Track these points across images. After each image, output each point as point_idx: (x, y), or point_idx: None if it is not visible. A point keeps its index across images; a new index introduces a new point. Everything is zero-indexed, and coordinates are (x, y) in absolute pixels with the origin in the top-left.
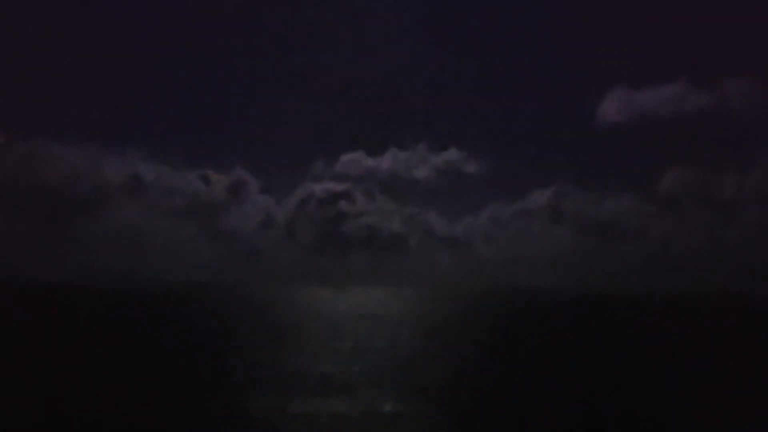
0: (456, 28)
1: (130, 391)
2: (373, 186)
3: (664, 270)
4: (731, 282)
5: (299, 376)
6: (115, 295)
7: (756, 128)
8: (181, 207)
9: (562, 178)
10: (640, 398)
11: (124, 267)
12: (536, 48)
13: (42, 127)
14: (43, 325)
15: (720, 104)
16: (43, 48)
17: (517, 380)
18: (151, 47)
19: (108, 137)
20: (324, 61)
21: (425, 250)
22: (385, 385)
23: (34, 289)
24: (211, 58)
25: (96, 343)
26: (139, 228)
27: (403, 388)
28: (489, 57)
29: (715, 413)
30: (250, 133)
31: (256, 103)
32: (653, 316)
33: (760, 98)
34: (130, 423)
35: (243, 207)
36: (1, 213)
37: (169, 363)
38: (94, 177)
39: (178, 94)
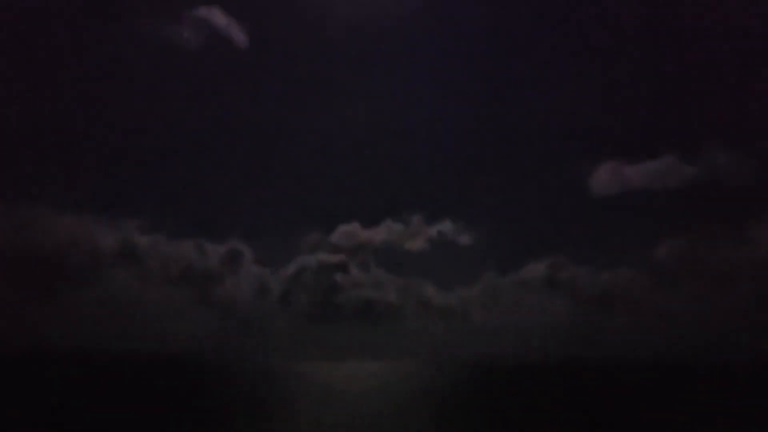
0: (450, 101)
1: None
2: (368, 257)
3: (660, 340)
4: (727, 350)
5: None
6: (108, 365)
7: (744, 200)
8: (175, 276)
9: (557, 250)
10: None
11: (117, 337)
12: (529, 121)
13: (36, 195)
14: (33, 395)
15: (708, 177)
16: (38, 114)
17: None
18: (149, 116)
19: (103, 205)
20: (320, 134)
21: (421, 321)
22: None
23: (25, 359)
24: (208, 129)
25: (88, 414)
26: (132, 297)
27: None
28: (483, 129)
29: None
30: (245, 203)
31: (252, 173)
32: (650, 386)
33: (747, 171)
34: None
35: (238, 277)
36: None
37: None
38: (89, 245)
39: (174, 163)
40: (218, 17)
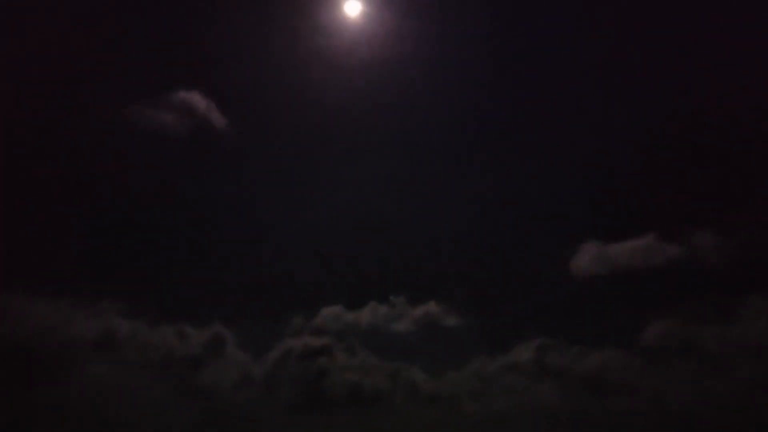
0: (433, 182)
1: None
2: (354, 340)
3: (654, 424)
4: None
5: None
6: None
7: (729, 280)
8: (155, 363)
9: (544, 332)
10: None
11: (94, 427)
12: (509, 200)
13: (7, 280)
14: None
15: (690, 255)
16: (9, 197)
17: None
18: (128, 197)
19: (80, 290)
20: (302, 216)
21: (410, 408)
22: None
23: None
24: (187, 213)
25: None
26: (110, 386)
27: None
28: (463, 211)
29: None
30: (227, 286)
31: (233, 255)
32: None
33: (728, 250)
34: None
35: (220, 364)
36: None
37: None
38: (65, 333)
39: (153, 246)
40: (198, 101)
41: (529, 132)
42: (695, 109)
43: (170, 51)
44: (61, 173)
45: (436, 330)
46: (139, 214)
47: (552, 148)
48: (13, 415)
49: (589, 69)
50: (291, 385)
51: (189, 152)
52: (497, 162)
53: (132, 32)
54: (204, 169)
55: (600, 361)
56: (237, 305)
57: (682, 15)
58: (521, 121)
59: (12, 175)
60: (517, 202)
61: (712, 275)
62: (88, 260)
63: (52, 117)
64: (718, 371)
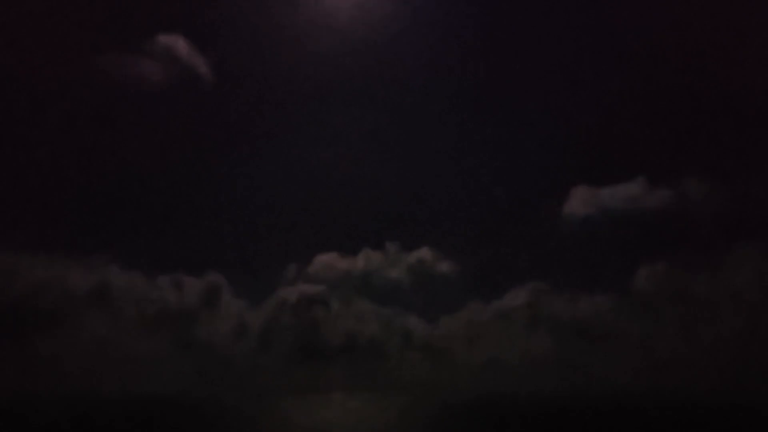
0: (423, 129)
1: None
2: (348, 288)
3: (644, 369)
4: (710, 380)
5: None
6: (85, 410)
7: (719, 226)
8: (152, 316)
9: (536, 277)
10: None
11: (92, 380)
12: (500, 145)
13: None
14: None
15: (681, 202)
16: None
17: None
18: (118, 148)
19: (75, 242)
20: (294, 162)
21: (404, 355)
22: None
23: None
24: (180, 160)
25: None
26: (107, 339)
27: None
28: (456, 157)
29: None
30: (222, 235)
31: (226, 204)
32: (635, 415)
33: (719, 197)
34: None
35: (216, 314)
36: None
37: None
38: (60, 287)
39: (145, 198)
40: (181, 47)
41: (520, 79)
42: (688, 55)
43: None
44: (48, 129)
45: (430, 276)
46: (129, 167)
47: (543, 94)
48: (12, 368)
49: (581, 19)
50: (287, 334)
51: (176, 100)
52: (489, 110)
53: None
54: (191, 119)
55: (591, 306)
56: (232, 254)
57: None
58: (512, 69)
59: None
60: (509, 148)
61: (702, 222)
62: (80, 214)
63: (35, 71)
64: (707, 317)
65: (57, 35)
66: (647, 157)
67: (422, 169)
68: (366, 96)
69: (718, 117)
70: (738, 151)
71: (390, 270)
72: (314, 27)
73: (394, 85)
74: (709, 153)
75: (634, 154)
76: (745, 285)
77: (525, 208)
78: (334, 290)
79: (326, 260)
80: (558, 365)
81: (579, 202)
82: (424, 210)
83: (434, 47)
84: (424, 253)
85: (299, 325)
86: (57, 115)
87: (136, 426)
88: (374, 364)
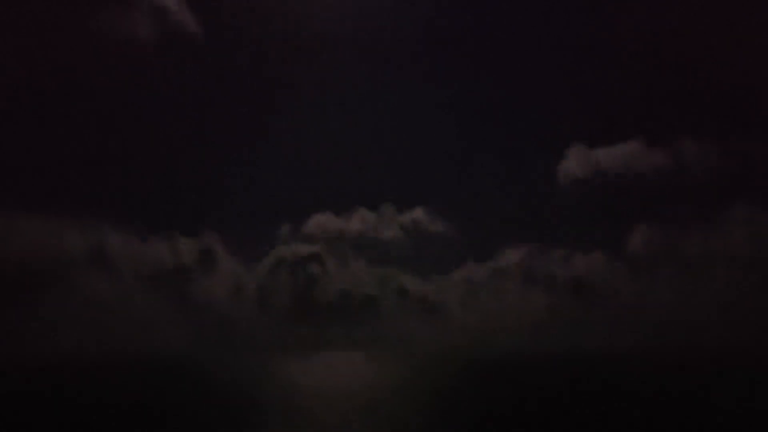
0: (418, 87)
1: None
2: (344, 248)
3: (637, 326)
4: (703, 336)
5: None
6: (82, 370)
7: (713, 186)
8: (148, 275)
9: (531, 237)
10: None
11: (89, 341)
12: (495, 106)
13: None
14: (6, 407)
15: (676, 162)
16: None
17: None
18: (114, 109)
19: (70, 204)
20: (289, 122)
21: (399, 314)
22: None
23: None
24: (174, 122)
25: (61, 421)
26: (103, 299)
27: None
28: (452, 115)
29: None
30: (216, 195)
31: (221, 164)
32: (630, 374)
33: (714, 158)
34: None
35: (212, 273)
36: None
37: None
38: (55, 248)
39: (138, 158)
40: (172, 5)
41: (517, 39)
42: (685, 17)
43: None
44: (41, 91)
45: (424, 236)
46: (122, 127)
47: (539, 51)
48: (10, 329)
49: None
50: (283, 294)
51: (169, 60)
52: (485, 70)
53: None
54: (188, 78)
55: (585, 265)
56: (226, 215)
57: None
58: (510, 28)
59: None
60: (505, 109)
61: (697, 182)
62: (73, 175)
63: (28, 32)
64: (699, 276)
65: None
66: (644, 118)
67: (417, 129)
68: (360, 56)
69: (714, 78)
70: (733, 111)
71: (385, 230)
72: None
73: (389, 46)
74: (705, 113)
75: (631, 114)
76: (737, 243)
77: (520, 168)
78: (329, 250)
79: (321, 220)
80: (552, 323)
81: (575, 162)
82: (419, 170)
83: (430, 5)
84: (419, 213)
85: (295, 285)
86: (51, 76)
87: (134, 385)
88: (369, 322)
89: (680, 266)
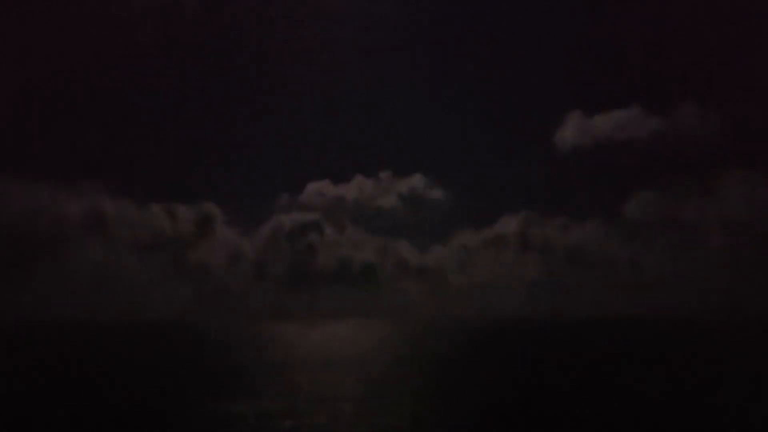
0: (417, 56)
1: None
2: (342, 216)
3: (633, 293)
4: (698, 302)
5: (270, 414)
6: (78, 336)
7: (710, 152)
8: (146, 243)
9: (528, 205)
10: (617, 421)
11: (86, 307)
12: (493, 73)
13: None
14: (3, 372)
15: (674, 129)
16: None
17: (493, 410)
18: (111, 75)
19: (65, 171)
20: (286, 90)
21: (397, 281)
22: (362, 423)
23: None
24: (172, 88)
25: (59, 387)
26: (101, 266)
27: (379, 423)
28: (449, 83)
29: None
30: (214, 163)
31: (219, 133)
32: (625, 339)
33: (711, 124)
34: None
35: (210, 241)
36: None
37: (137, 406)
38: (52, 214)
39: (137, 124)
40: None
41: (513, 3)
42: None
43: None
44: (38, 55)
45: (422, 204)
46: (121, 94)
47: (536, 18)
48: (9, 295)
49: None
50: (281, 261)
51: (171, 28)
52: (481, 35)
53: None
54: (189, 46)
55: (582, 233)
56: (224, 182)
57: None
58: None
59: None
60: (503, 75)
61: (694, 148)
62: (68, 140)
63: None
64: (696, 242)
65: None
66: (642, 84)
67: (415, 96)
68: (358, 25)
69: (713, 43)
70: (732, 77)
71: (383, 197)
72: None
73: (387, 11)
74: (704, 79)
75: (629, 80)
76: (734, 209)
77: (518, 135)
78: (327, 217)
79: (319, 188)
80: (549, 290)
81: (572, 129)
82: (417, 137)
83: None
84: (417, 180)
85: (293, 252)
86: (48, 44)
87: (132, 350)
88: (368, 289)
89: (676, 233)
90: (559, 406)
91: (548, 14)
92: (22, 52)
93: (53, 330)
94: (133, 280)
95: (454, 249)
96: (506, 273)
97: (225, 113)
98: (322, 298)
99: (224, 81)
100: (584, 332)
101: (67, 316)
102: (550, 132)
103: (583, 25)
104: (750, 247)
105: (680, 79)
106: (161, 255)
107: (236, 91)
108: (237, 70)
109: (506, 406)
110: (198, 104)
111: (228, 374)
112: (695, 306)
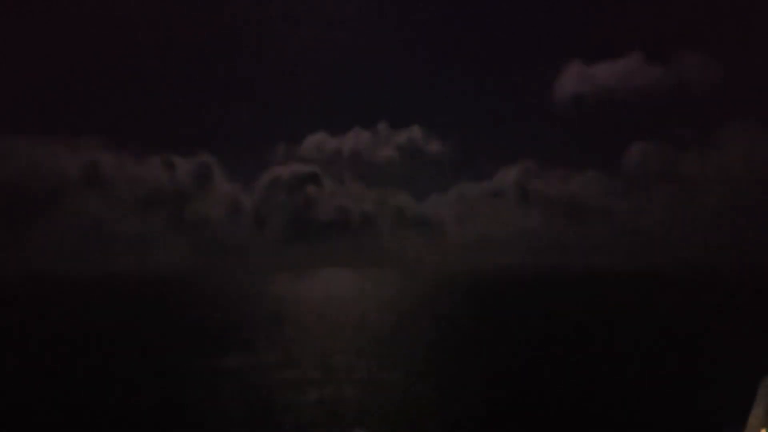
0: (415, 7)
1: (100, 388)
2: (340, 168)
3: (630, 244)
4: (696, 253)
5: (264, 367)
6: (80, 290)
7: (712, 102)
8: (143, 195)
9: (527, 156)
10: (616, 369)
11: (85, 261)
12: (491, 22)
13: None
14: (3, 325)
15: (675, 78)
16: None
17: (492, 357)
18: (106, 28)
19: (63, 125)
20: (283, 41)
21: (396, 232)
22: (363, 371)
23: None
24: (169, 40)
25: (57, 341)
26: (100, 220)
27: (381, 368)
28: (446, 33)
29: (684, 380)
30: (211, 114)
31: (216, 84)
32: (622, 290)
33: (713, 73)
34: (105, 417)
35: (209, 194)
36: None
37: (135, 359)
38: (51, 169)
39: (134, 76)
40: None
41: None
42: None
43: None
44: (31, 11)
45: (420, 156)
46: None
47: None
48: (8, 250)
49: None
50: (280, 213)
51: None
52: None
53: None
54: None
55: (580, 185)
56: (222, 134)
57: None
58: None
59: None
60: (500, 23)
61: (696, 98)
62: (64, 94)
63: None
64: (693, 193)
65: None
66: (643, 31)
67: (412, 46)
68: None
69: None
70: (735, 24)
71: (380, 149)
72: None
73: None
74: (706, 26)
75: (629, 27)
76: (733, 161)
77: (516, 85)
78: (325, 169)
79: (317, 140)
80: (547, 241)
81: (571, 78)
82: (414, 88)
83: None
84: (415, 132)
85: (292, 204)
86: None
87: (132, 303)
88: (367, 240)
89: (676, 184)
90: (556, 357)
91: None
92: (18, 6)
93: (52, 284)
94: (130, 232)
95: (452, 200)
96: (504, 223)
97: (222, 65)
98: (321, 249)
99: (222, 32)
100: (582, 284)
101: (65, 270)
102: (549, 82)
103: None
104: (749, 197)
105: (682, 25)
106: (159, 207)
107: (234, 43)
108: (235, 21)
109: (503, 356)
110: (195, 56)
111: (224, 328)
112: (694, 257)
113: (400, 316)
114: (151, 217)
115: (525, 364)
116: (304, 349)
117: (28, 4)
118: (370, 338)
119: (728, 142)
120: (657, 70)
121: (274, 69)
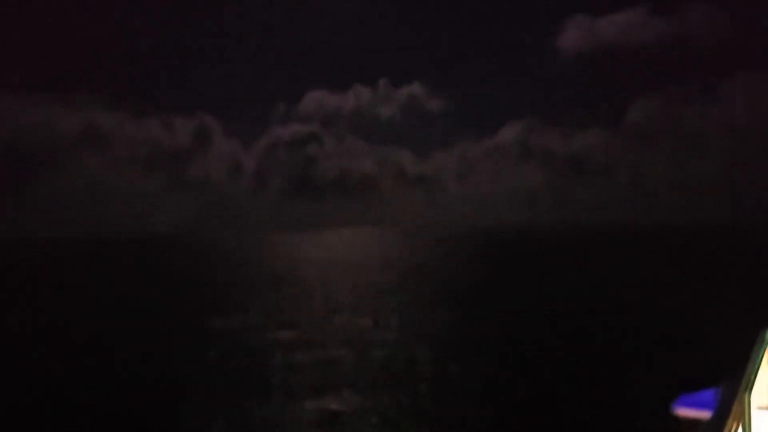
0: None
1: (103, 351)
2: (341, 126)
3: (633, 201)
4: (700, 209)
5: (261, 328)
6: (82, 252)
7: (717, 56)
8: (145, 156)
9: (530, 113)
10: (617, 328)
11: (86, 221)
12: None
13: None
14: (4, 286)
15: (681, 31)
16: None
17: (493, 317)
18: None
19: (56, 85)
20: None
21: (398, 190)
22: (361, 331)
23: None
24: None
25: (57, 301)
26: (99, 180)
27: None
28: None
29: (687, 338)
30: (209, 73)
31: (214, 41)
32: (626, 248)
33: (720, 25)
34: (108, 386)
35: (209, 154)
36: None
37: (146, 318)
38: (49, 130)
39: (130, 35)
40: None
41: None
42: None
43: None
44: None
45: (422, 113)
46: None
47: None
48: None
49: None
50: (281, 172)
51: None
52: None
53: None
54: None
55: (584, 141)
56: (220, 93)
57: None
58: None
59: None
60: None
61: (701, 52)
62: (62, 52)
63: None
64: (698, 149)
65: None
66: None
67: (413, 2)
68: None
69: None
70: None
71: (382, 106)
72: None
73: None
74: None
75: None
76: (737, 116)
77: (518, 40)
78: (326, 127)
79: (316, 97)
80: (550, 198)
81: (575, 33)
82: (415, 44)
83: None
84: (416, 88)
85: (293, 163)
86: None
87: (134, 263)
88: (368, 199)
89: (678, 139)
90: (557, 313)
91: None
92: None
93: (51, 245)
94: (131, 192)
95: (454, 158)
96: (506, 181)
97: (220, 22)
98: (322, 208)
99: None
100: (586, 240)
101: (65, 231)
102: (552, 36)
103: None
104: (753, 153)
105: None
106: (159, 167)
107: (230, 2)
108: None
109: (505, 313)
110: (192, 13)
111: (220, 288)
112: (698, 212)
113: (401, 275)
114: (151, 176)
115: (526, 324)
116: (303, 309)
117: None
118: (370, 298)
119: (732, 95)
120: (664, 22)
121: (274, 25)
